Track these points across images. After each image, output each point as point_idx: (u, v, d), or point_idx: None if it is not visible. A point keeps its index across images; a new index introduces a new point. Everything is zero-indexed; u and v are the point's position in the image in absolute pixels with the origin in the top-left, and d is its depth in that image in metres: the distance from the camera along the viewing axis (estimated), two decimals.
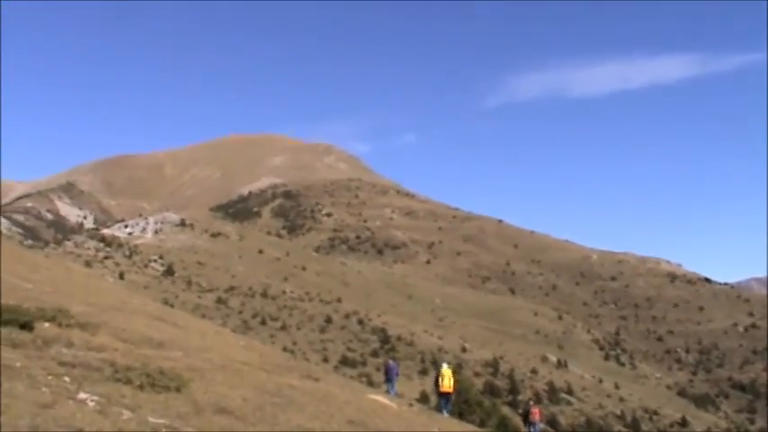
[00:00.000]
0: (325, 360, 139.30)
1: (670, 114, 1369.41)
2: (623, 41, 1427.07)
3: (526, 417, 32.39)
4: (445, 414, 28.38)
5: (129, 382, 9.43)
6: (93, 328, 12.76)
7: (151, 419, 7.99)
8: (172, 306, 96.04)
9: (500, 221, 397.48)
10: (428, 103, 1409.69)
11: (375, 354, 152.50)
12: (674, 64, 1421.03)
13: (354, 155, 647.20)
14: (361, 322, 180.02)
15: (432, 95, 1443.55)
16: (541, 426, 34.53)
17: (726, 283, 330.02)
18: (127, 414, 7.94)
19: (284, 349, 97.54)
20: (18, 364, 8.79)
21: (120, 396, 8.62)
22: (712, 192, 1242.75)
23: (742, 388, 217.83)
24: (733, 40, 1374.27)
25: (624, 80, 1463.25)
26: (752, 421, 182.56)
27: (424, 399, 73.88)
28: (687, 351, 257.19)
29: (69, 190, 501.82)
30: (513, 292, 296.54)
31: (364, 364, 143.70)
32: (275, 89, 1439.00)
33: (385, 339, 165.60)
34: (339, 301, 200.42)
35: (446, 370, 29.64)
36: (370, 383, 75.66)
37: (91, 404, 8.01)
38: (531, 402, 36.27)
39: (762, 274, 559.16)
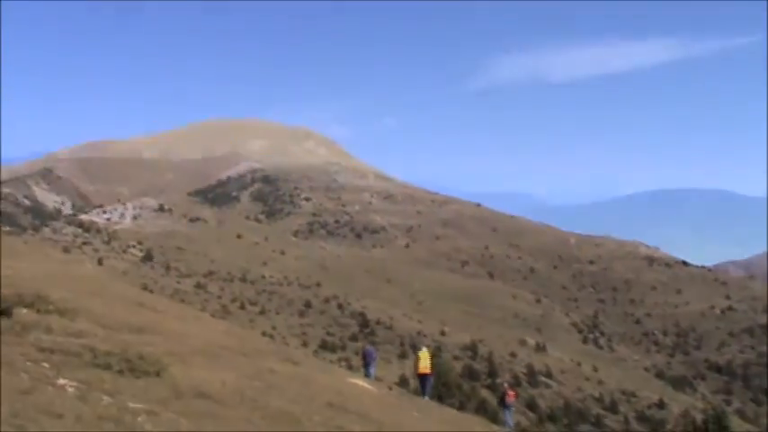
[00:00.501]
0: (305, 344, 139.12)
1: (649, 98, 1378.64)
2: (602, 26, 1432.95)
3: (502, 399, 32.62)
4: (425, 397, 28.62)
5: (108, 367, 9.44)
6: (72, 313, 12.74)
7: (131, 404, 8.03)
8: (151, 291, 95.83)
9: (478, 205, 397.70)
10: (408, 87, 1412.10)
11: (354, 338, 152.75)
12: (654, 48, 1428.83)
13: (333, 139, 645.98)
14: (340, 306, 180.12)
15: (411, 79, 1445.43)
16: (514, 408, 34.68)
17: (703, 266, 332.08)
18: (107, 399, 7.98)
19: (264, 334, 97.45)
20: None
21: (99, 381, 8.64)
22: (696, 175, 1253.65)
23: (718, 369, 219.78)
24: (713, 24, 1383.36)
25: (603, 64, 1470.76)
26: (728, 402, 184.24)
27: (403, 383, 74.21)
28: (665, 333, 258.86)
29: (47, 176, 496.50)
30: (491, 276, 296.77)
31: (344, 348, 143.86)
32: (254, 73, 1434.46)
33: (364, 323, 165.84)
34: (318, 285, 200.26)
35: (423, 353, 30.01)
36: (350, 367, 75.81)
37: (71, 390, 8.03)
38: (506, 385, 36.61)
39: (738, 257, 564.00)
